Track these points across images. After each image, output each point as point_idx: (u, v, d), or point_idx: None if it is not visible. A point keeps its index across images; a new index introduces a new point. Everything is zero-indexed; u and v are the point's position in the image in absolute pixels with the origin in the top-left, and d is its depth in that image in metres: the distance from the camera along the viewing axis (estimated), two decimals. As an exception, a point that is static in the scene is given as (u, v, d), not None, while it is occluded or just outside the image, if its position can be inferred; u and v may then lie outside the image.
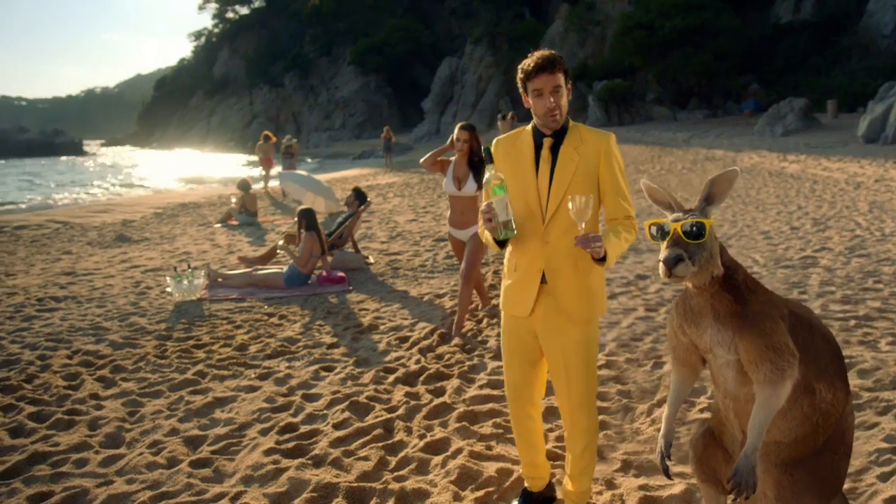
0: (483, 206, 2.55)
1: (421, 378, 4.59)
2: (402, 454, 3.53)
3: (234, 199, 13.88)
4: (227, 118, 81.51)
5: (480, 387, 4.39)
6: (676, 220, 1.97)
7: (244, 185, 13.38)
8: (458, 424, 3.80)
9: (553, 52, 2.57)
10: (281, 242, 7.92)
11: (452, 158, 5.59)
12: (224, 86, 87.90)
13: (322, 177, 21.21)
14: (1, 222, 14.44)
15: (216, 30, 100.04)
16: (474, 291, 5.89)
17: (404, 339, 5.40)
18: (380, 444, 3.63)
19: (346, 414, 4.02)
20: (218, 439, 3.84)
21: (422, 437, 3.72)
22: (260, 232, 12.12)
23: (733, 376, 2.03)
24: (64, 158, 70.14)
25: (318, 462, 3.50)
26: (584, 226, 2.36)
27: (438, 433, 3.72)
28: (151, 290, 7.63)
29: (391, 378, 4.60)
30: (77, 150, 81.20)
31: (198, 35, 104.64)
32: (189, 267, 7.41)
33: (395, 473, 3.34)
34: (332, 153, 51.02)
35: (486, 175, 2.51)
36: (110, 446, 3.86)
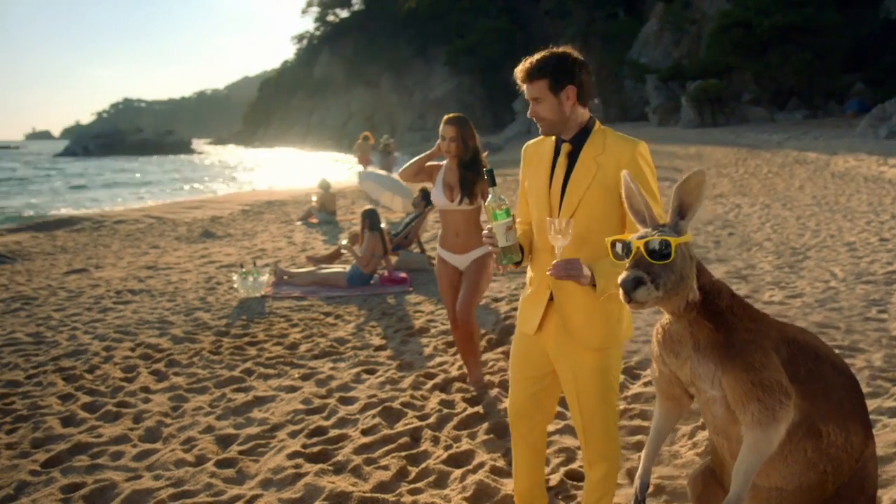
0: (485, 230, 2.39)
1: (459, 385, 4.46)
2: (423, 465, 3.42)
3: (314, 198, 14.16)
4: (325, 118, 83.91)
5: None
6: (641, 237, 1.72)
7: (324, 184, 13.62)
8: (486, 437, 3.66)
9: (543, 55, 2.32)
10: (345, 242, 7.97)
11: (443, 163, 4.36)
12: (323, 86, 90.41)
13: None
14: (102, 216, 15.34)
15: (317, 32, 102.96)
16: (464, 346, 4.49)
17: (451, 344, 5.28)
18: (403, 454, 3.53)
19: (377, 420, 3.95)
20: (248, 439, 3.84)
21: (447, 447, 3.59)
22: (337, 230, 12.28)
23: (722, 413, 1.78)
24: (171, 157, 74.08)
25: (339, 469, 3.44)
26: (560, 251, 2.15)
27: (465, 445, 3.58)
28: (221, 285, 7.84)
29: (429, 384, 4.49)
30: (185, 149, 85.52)
31: (300, 38, 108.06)
32: (254, 264, 7.56)
33: (412, 485, 3.23)
34: (423, 149, 51.57)
35: (489, 198, 2.33)
36: (148, 440, 3.94)
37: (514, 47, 63.19)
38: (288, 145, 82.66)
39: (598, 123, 2.40)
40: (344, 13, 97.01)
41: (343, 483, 3.26)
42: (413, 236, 8.87)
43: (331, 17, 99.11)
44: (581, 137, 2.36)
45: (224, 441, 3.86)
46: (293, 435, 3.87)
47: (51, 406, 4.46)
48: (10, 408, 4.46)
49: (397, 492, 3.17)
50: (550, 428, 3.68)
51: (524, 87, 2.35)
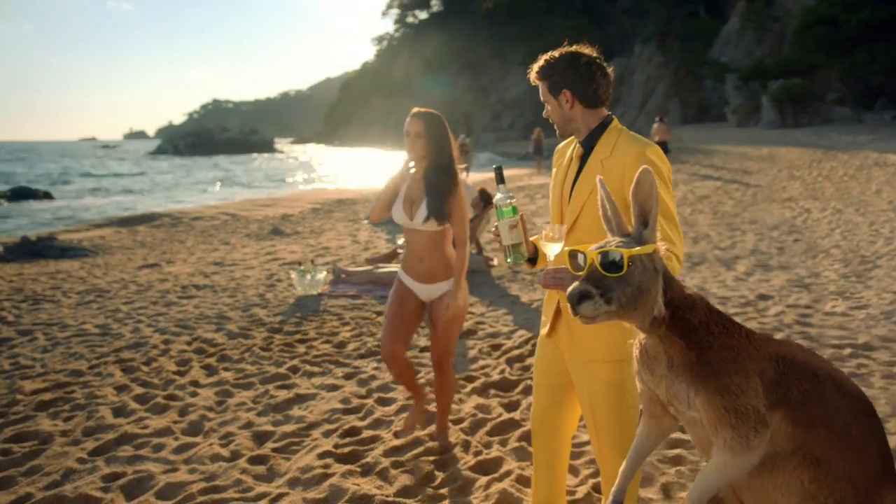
0: (492, 226, 2.33)
1: (498, 390, 4.38)
2: (450, 471, 3.36)
3: (381, 197, 14.28)
4: (403, 118, 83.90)
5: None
6: (597, 248, 1.60)
7: (390, 184, 13.73)
8: (517, 444, 3.57)
9: (545, 57, 2.26)
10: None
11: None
12: (402, 87, 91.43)
13: (478, 176, 21.32)
14: (181, 213, 15.93)
15: (397, 34, 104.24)
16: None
17: (496, 347, 5.20)
18: (431, 458, 3.48)
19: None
20: (283, 437, 3.88)
21: (477, 453, 3.52)
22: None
23: (705, 435, 1.65)
24: (255, 155, 76.52)
25: (366, 471, 3.42)
26: (553, 258, 2.06)
27: (494, 452, 3.51)
28: (281, 282, 8.00)
29: (468, 387, 4.43)
30: (268, 148, 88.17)
31: (380, 39, 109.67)
32: (312, 262, 7.68)
33: (436, 491, 3.18)
34: (499, 153, 51.43)
35: (497, 195, 2.23)
36: (189, 434, 4.03)
37: (592, 46, 62.42)
38: (366, 145, 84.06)
39: (614, 123, 2.29)
40: (423, 14, 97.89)
41: (368, 486, 3.24)
42: (471, 237, 8.81)
43: (410, 19, 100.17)
44: (593, 139, 2.28)
45: (260, 438, 3.91)
46: (327, 434, 3.88)
47: (106, 396, 4.63)
48: (71, 396, 4.65)
49: (419, 497, 3.12)
50: (584, 437, 3.57)
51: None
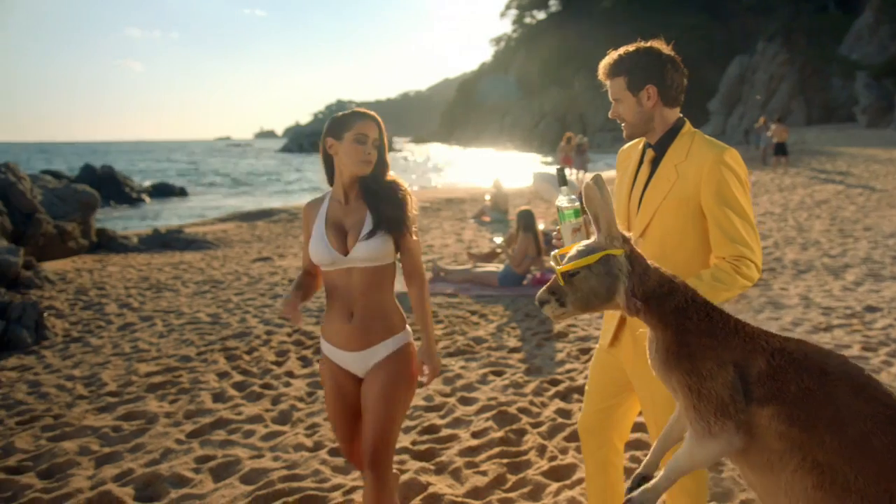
0: (553, 231, 2.25)
1: (581, 395, 4.28)
2: (522, 474, 3.32)
3: (487, 197, 14.32)
4: (518, 118, 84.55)
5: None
6: (561, 260, 1.78)
7: (497, 184, 13.73)
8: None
9: (623, 50, 2.12)
10: (500, 241, 7.97)
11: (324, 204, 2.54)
12: (518, 87, 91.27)
13: (588, 175, 21.01)
14: (296, 209, 16.58)
15: (514, 34, 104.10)
16: None
17: (585, 351, 5.09)
18: (505, 461, 3.45)
19: (490, 423, 3.90)
20: (365, 430, 3.96)
21: (552, 458, 3.46)
22: (507, 229, 12.31)
23: None
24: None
25: (440, 469, 3.44)
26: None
27: (569, 458, 3.43)
28: (382, 279, 8.17)
29: (552, 391, 4.35)
30: (388, 147, 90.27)
31: (498, 40, 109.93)
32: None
33: (505, 495, 3.15)
34: (615, 152, 50.47)
35: (559, 198, 2.16)
36: (279, 422, 4.20)
37: (714, 45, 59.73)
38: (482, 145, 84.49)
39: (687, 125, 2.17)
40: (541, 14, 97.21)
41: (440, 484, 3.25)
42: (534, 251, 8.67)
43: (528, 19, 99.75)
44: (665, 142, 2.15)
45: (343, 430, 4.01)
46: (406, 430, 3.92)
47: (208, 382, 4.91)
48: (178, 380, 4.96)
49: (487, 499, 3.10)
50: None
51: (606, 83, 2.18)
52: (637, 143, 2.31)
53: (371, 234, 2.37)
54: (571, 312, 1.73)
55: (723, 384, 1.55)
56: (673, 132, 2.15)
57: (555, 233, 2.21)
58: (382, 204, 2.42)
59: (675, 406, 2.12)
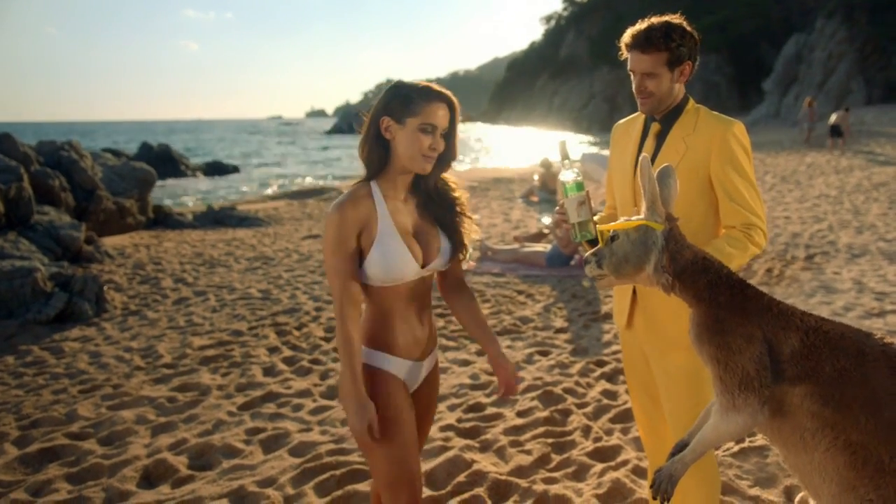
0: (557, 206, 2.21)
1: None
2: (566, 454, 3.32)
3: (536, 177, 14.22)
4: (567, 99, 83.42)
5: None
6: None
7: (545, 163, 13.62)
8: (638, 434, 3.44)
9: (664, 23, 2.05)
10: (547, 220, 7.91)
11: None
12: (568, 67, 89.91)
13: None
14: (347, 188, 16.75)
15: (565, 13, 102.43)
16: None
17: (634, 334, 5.04)
18: (550, 440, 3.45)
19: (535, 403, 3.90)
20: (410, 407, 4.00)
21: (597, 439, 3.45)
22: (555, 209, 12.24)
23: None
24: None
25: (485, 447, 3.46)
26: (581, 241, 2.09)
27: (614, 439, 3.41)
28: (429, 258, 8.21)
29: (598, 372, 4.33)
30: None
31: (548, 19, 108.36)
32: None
33: (549, 474, 3.15)
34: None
35: (563, 172, 2.13)
36: (326, 397, 4.27)
37: (769, 22, 57.60)
38: (531, 125, 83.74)
39: (691, 102, 2.17)
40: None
41: (484, 462, 3.27)
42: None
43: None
44: (672, 117, 2.16)
45: (389, 406, 4.06)
46: (452, 408, 3.96)
47: (259, 356, 5.02)
48: (230, 354, 5.09)
49: (531, 478, 3.11)
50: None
51: (632, 54, 2.10)
52: (635, 118, 2.30)
53: (447, 251, 2.06)
54: (607, 276, 1.81)
55: (749, 358, 1.57)
56: (680, 106, 2.16)
57: (557, 207, 2.20)
58: (447, 216, 2.07)
59: (689, 382, 2.13)
